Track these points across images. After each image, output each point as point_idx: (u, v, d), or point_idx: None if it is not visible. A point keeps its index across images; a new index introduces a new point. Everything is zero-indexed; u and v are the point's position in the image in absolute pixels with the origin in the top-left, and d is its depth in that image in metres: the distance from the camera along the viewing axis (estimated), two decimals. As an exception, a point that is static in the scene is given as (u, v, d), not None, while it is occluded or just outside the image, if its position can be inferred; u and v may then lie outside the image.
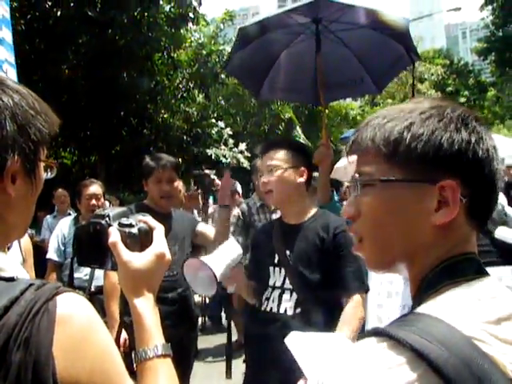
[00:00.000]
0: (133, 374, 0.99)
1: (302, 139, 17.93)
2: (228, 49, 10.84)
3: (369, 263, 0.95)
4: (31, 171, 0.95)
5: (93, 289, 3.97)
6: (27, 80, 8.50)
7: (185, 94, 13.27)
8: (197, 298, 3.78)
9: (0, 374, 0.77)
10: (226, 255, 2.21)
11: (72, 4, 10.12)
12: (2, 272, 0.87)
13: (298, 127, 19.18)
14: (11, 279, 0.86)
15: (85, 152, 12.93)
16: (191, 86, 13.27)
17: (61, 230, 4.33)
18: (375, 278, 2.74)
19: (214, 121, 14.31)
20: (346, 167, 3.84)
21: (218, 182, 6.49)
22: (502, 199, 5.38)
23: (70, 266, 3.97)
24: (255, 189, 5.16)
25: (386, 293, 2.93)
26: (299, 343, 0.91)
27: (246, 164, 13.68)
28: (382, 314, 2.93)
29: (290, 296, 2.39)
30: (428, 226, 0.85)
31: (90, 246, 1.15)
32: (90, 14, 9.88)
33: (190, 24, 12.46)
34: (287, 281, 2.41)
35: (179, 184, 4.23)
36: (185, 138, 13.18)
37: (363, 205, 0.91)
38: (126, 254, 1.10)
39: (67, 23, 9.97)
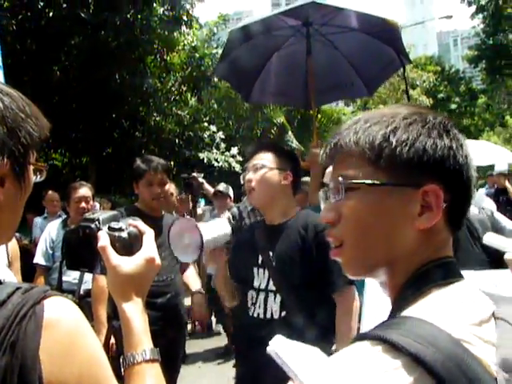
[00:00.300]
0: (120, 378, 0.99)
1: (295, 144, 17.95)
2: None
3: (348, 268, 0.94)
4: (20, 174, 0.94)
5: (82, 292, 3.94)
6: (18, 81, 8.47)
7: (177, 97, 13.28)
8: (187, 303, 3.76)
9: None
10: (216, 229, 2.17)
11: (64, 5, 10.09)
12: (-11, 276, 0.87)
13: (290, 132, 19.20)
14: (-2, 282, 0.86)
15: (76, 154, 12.89)
16: (184, 89, 13.28)
17: (49, 234, 4.30)
18: None
19: (206, 124, 14.31)
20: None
21: (206, 185, 6.51)
22: (490, 205, 5.42)
23: (58, 269, 3.95)
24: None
25: None
26: (286, 347, 0.90)
27: (237, 168, 13.68)
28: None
29: (275, 298, 2.38)
30: (411, 230, 0.86)
31: (80, 250, 1.14)
32: (82, 15, 9.85)
33: (184, 27, 12.47)
34: (271, 282, 2.40)
35: (171, 187, 4.22)
36: (177, 141, 13.17)
37: (346, 208, 0.90)
38: (115, 258, 1.09)
39: (59, 24, 9.93)
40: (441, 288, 0.83)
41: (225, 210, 5.71)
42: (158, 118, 12.80)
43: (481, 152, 8.53)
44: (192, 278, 3.68)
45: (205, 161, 13.38)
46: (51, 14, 10.00)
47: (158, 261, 1.14)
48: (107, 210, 2.32)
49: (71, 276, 3.98)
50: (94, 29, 10.26)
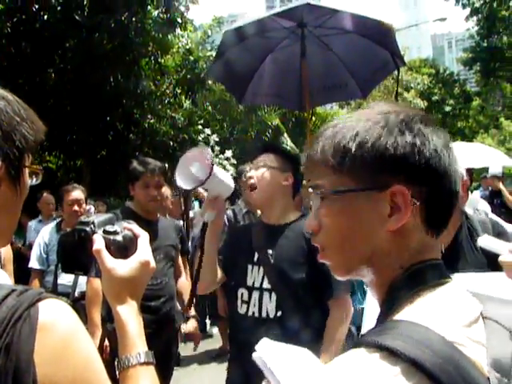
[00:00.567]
0: (115, 381, 0.99)
1: (290, 146, 17.95)
2: (216, 55, 10.84)
3: (334, 270, 0.96)
4: (16, 178, 0.95)
5: (76, 295, 3.94)
6: (13, 83, 8.45)
7: (172, 100, 13.26)
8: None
9: None
10: (225, 176, 2.21)
11: (59, 8, 10.08)
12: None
13: (285, 134, 19.19)
14: (-7, 285, 0.86)
15: (70, 156, 12.83)
16: (178, 91, 13.27)
17: (42, 238, 4.29)
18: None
19: (200, 127, 14.30)
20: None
21: (199, 188, 6.51)
22: (485, 207, 5.44)
23: (54, 272, 3.94)
24: (241, 194, 5.16)
25: None
26: (273, 353, 0.89)
27: (232, 171, 13.67)
28: None
29: (270, 297, 2.37)
30: (384, 232, 0.86)
31: (75, 253, 1.14)
32: (77, 18, 9.84)
33: (178, 29, 12.46)
34: (266, 280, 2.39)
35: (166, 190, 4.22)
36: (171, 143, 13.15)
37: (321, 217, 0.92)
38: (109, 262, 1.10)
39: (54, 27, 9.92)
40: (429, 290, 0.83)
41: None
42: (152, 121, 12.77)
43: (475, 154, 8.56)
44: (186, 295, 3.67)
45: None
46: (46, 17, 9.99)
47: (152, 264, 1.15)
48: (102, 213, 2.32)
49: (66, 279, 3.98)
50: (89, 31, 10.24)
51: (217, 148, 14.50)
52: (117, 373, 1.03)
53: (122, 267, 1.10)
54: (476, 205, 4.68)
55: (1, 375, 0.77)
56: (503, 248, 1.77)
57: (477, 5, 24.31)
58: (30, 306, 0.82)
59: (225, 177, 2.21)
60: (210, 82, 12.98)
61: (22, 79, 10.14)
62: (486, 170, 9.05)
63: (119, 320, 1.07)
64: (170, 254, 3.50)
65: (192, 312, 3.64)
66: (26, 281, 4.12)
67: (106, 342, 3.23)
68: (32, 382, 0.78)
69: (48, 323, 0.82)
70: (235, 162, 13.98)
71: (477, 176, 10.21)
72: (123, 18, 10.68)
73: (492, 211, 5.27)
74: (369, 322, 2.91)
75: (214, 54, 12.67)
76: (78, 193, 4.29)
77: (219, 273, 2.51)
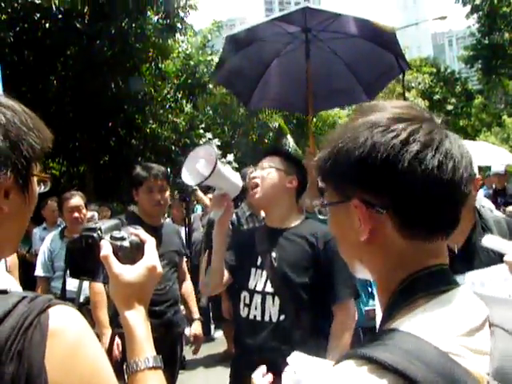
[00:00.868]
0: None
1: (292, 147, 17.94)
2: (216, 59, 10.87)
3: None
4: (24, 186, 0.96)
5: (82, 300, 3.96)
6: (16, 91, 8.48)
7: (173, 105, 13.29)
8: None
9: None
10: (231, 174, 2.24)
11: (60, 16, 10.11)
12: (-5, 285, 0.88)
13: (288, 135, 19.17)
14: (4, 292, 0.87)
15: (73, 162, 12.88)
16: (179, 96, 13.29)
17: (47, 246, 4.32)
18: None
19: (202, 131, 14.33)
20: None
21: (199, 193, 6.55)
22: (488, 204, 5.44)
23: (62, 278, 3.96)
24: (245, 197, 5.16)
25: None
26: (304, 365, 0.92)
27: (234, 175, 13.66)
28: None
29: (273, 301, 2.36)
30: (360, 242, 0.87)
31: (82, 259, 1.16)
32: (78, 26, 9.88)
33: (178, 35, 12.50)
34: (268, 284, 2.38)
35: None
36: (173, 148, 13.17)
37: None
38: (117, 267, 1.11)
39: (55, 35, 9.96)
40: (429, 299, 0.81)
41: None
42: (153, 126, 12.81)
43: (478, 153, 8.53)
44: (190, 299, 3.78)
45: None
46: (47, 26, 10.02)
47: (159, 269, 1.16)
48: (108, 219, 2.33)
49: (71, 284, 4.00)
50: (90, 39, 10.29)
51: (218, 152, 14.53)
52: (126, 377, 1.04)
53: (129, 273, 1.11)
54: (481, 201, 4.68)
55: (14, 381, 0.78)
56: (508, 248, 1.76)
57: (477, 2, 24.10)
58: (41, 313, 0.83)
59: (231, 175, 2.23)
60: (210, 85, 13.00)
61: (25, 87, 10.20)
62: (489, 168, 9.03)
63: (127, 325, 1.08)
64: (174, 260, 3.54)
65: (196, 315, 3.67)
66: (32, 288, 4.14)
67: (118, 340, 3.24)
68: None
69: (58, 330, 0.84)
70: (237, 166, 13.99)
71: (483, 173, 10.16)
72: (123, 25, 10.71)
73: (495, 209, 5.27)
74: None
75: (213, 58, 12.78)
76: (76, 199, 4.31)
77: (226, 274, 2.52)
